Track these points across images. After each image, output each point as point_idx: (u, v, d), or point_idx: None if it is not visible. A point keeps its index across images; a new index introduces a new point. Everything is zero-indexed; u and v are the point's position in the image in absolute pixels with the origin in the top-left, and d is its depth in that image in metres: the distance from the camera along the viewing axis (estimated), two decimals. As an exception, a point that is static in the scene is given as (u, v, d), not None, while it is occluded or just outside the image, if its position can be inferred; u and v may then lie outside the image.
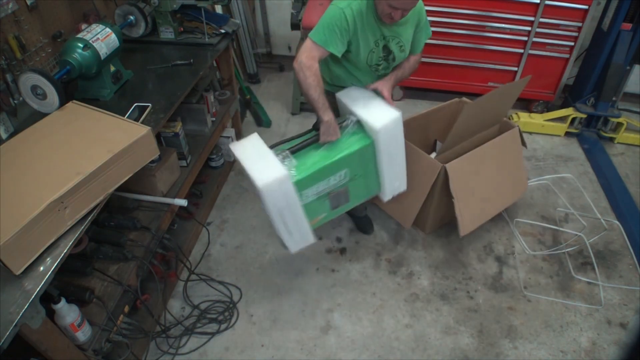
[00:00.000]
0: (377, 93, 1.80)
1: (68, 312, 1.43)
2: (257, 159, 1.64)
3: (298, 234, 1.79)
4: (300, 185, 1.64)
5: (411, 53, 1.86)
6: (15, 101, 1.82)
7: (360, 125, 1.75)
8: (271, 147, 1.69)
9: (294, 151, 1.68)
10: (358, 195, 1.89)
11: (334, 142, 1.69)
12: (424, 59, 3.21)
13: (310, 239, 1.84)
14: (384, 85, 1.79)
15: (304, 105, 3.38)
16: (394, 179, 1.91)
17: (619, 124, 3.12)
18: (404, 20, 1.67)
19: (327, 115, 1.65)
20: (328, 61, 1.87)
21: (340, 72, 1.87)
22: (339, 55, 1.68)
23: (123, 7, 2.25)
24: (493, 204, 2.36)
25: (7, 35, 1.78)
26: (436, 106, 2.52)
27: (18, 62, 1.83)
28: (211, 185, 2.62)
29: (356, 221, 2.47)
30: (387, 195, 1.96)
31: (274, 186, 1.57)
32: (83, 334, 1.49)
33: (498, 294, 2.16)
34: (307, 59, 1.62)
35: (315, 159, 1.67)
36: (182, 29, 2.39)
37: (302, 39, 3.00)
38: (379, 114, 1.70)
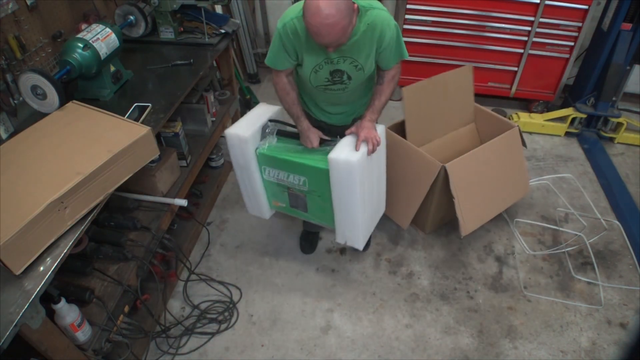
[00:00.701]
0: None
1: (68, 312, 1.43)
2: (252, 119, 1.84)
3: (254, 200, 2.00)
4: (262, 159, 1.81)
5: (382, 68, 1.69)
6: (15, 101, 1.82)
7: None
8: (272, 120, 1.83)
9: (282, 134, 1.82)
10: (315, 213, 1.90)
11: (314, 150, 1.75)
12: (424, 59, 3.25)
13: (265, 214, 2.04)
14: (358, 129, 1.68)
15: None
16: (343, 226, 1.83)
17: (619, 124, 3.12)
18: (354, 40, 1.51)
19: (301, 125, 1.75)
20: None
21: (299, 83, 1.82)
22: (288, 68, 1.68)
23: (123, 7, 2.25)
24: (494, 204, 2.36)
25: (7, 35, 1.78)
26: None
27: (18, 62, 1.83)
28: (211, 185, 2.62)
29: (302, 234, 2.40)
30: (337, 237, 1.89)
31: (235, 140, 1.78)
32: (83, 334, 1.49)
33: (498, 294, 2.16)
34: (274, 78, 1.75)
35: (288, 150, 1.77)
36: (182, 29, 2.39)
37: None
38: (342, 151, 1.64)
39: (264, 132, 1.81)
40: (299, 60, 1.64)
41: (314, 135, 1.75)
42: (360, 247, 1.89)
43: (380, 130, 1.74)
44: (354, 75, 1.63)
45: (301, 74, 1.68)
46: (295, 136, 1.80)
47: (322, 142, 1.75)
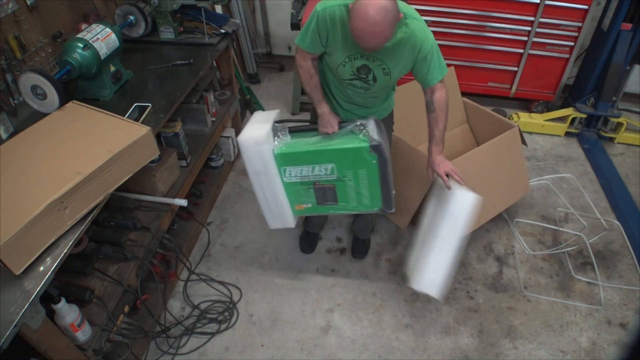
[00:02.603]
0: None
1: (68, 312, 1.43)
2: (258, 124, 1.77)
3: (276, 209, 1.86)
4: (283, 159, 1.72)
5: (424, 86, 1.68)
6: (15, 101, 1.82)
7: (365, 130, 1.70)
8: (278, 121, 1.77)
9: (293, 131, 1.76)
10: (347, 202, 1.84)
11: (332, 136, 1.71)
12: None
13: (290, 222, 1.90)
14: (433, 166, 1.70)
15: (304, 105, 3.38)
16: (430, 267, 1.74)
17: (619, 124, 3.12)
18: (390, 45, 1.51)
19: (321, 108, 1.72)
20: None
21: (322, 75, 1.81)
22: (315, 53, 1.66)
23: (123, 7, 2.25)
24: (494, 204, 2.36)
25: (7, 35, 1.78)
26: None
27: (18, 62, 1.83)
28: (211, 185, 2.62)
29: (353, 241, 2.37)
30: (413, 282, 1.79)
31: (251, 144, 1.70)
32: (83, 334, 1.49)
33: (498, 294, 2.16)
34: (299, 59, 1.69)
35: (307, 143, 1.72)
36: (182, 29, 2.39)
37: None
38: (458, 187, 1.69)
39: (274, 134, 1.74)
40: (328, 49, 1.63)
41: (334, 120, 1.72)
42: (436, 294, 1.72)
43: (470, 199, 1.67)
44: (379, 78, 1.61)
45: (329, 62, 1.67)
46: (307, 129, 1.76)
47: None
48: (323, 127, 1.71)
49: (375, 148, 1.65)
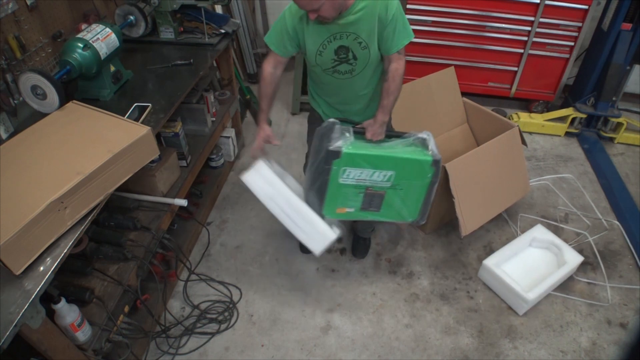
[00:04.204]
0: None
1: (68, 312, 1.43)
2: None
3: (305, 225, 1.76)
4: (348, 159, 1.66)
5: (386, 54, 1.66)
6: (15, 101, 1.82)
7: (420, 142, 1.74)
8: (340, 118, 1.73)
9: (356, 132, 1.72)
10: (389, 210, 1.83)
11: (383, 144, 1.72)
12: (424, 59, 3.25)
13: (327, 234, 1.76)
14: (368, 124, 1.70)
15: (304, 105, 3.38)
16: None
17: (619, 124, 3.12)
18: (356, 16, 1.54)
19: (259, 118, 1.80)
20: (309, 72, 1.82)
21: (311, 82, 1.85)
22: (284, 56, 1.70)
23: (123, 7, 2.25)
24: (494, 204, 2.36)
25: (7, 35, 1.78)
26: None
27: (18, 62, 1.83)
28: (211, 185, 2.62)
29: (354, 240, 2.37)
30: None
31: (251, 173, 1.75)
32: (83, 334, 1.49)
33: (498, 293, 2.16)
34: (264, 62, 1.72)
35: (368, 147, 1.70)
36: (182, 29, 2.39)
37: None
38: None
39: (341, 134, 1.67)
40: (301, 45, 1.66)
41: (264, 134, 1.78)
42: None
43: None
44: (359, 54, 1.62)
45: (309, 58, 1.68)
46: (360, 131, 1.74)
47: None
48: (373, 135, 1.70)
49: (436, 163, 1.69)
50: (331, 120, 1.69)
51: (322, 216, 1.79)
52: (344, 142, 1.65)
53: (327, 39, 1.60)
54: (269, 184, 1.74)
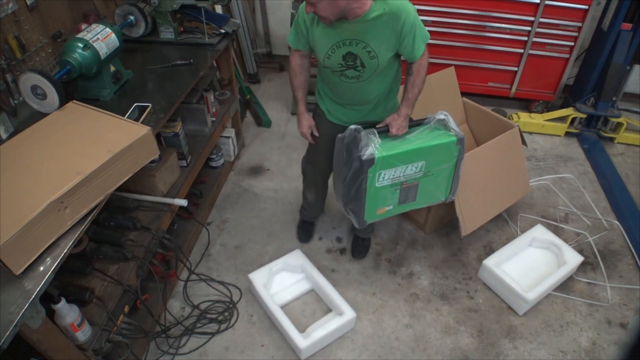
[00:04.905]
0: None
1: (68, 312, 1.42)
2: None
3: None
4: (382, 163, 1.69)
5: (410, 61, 1.68)
6: (15, 101, 1.82)
7: (441, 124, 1.77)
8: (361, 123, 1.74)
9: (379, 131, 1.73)
10: (425, 195, 1.89)
11: (408, 135, 1.74)
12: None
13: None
14: (392, 120, 1.71)
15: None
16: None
17: (619, 124, 3.12)
18: (367, 25, 1.53)
19: (299, 108, 1.88)
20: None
21: (319, 78, 1.86)
22: (305, 50, 1.74)
23: (123, 7, 2.25)
24: (494, 204, 2.36)
25: (7, 35, 1.78)
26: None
27: (18, 62, 1.83)
28: (211, 185, 2.62)
29: (354, 241, 2.38)
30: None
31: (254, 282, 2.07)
32: (83, 334, 1.49)
33: (498, 293, 2.16)
34: (290, 55, 1.79)
35: (396, 144, 1.72)
36: (182, 29, 2.39)
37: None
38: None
39: (367, 138, 1.68)
40: (311, 43, 1.68)
41: (308, 123, 1.89)
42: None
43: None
44: (367, 62, 1.61)
45: (318, 59, 1.69)
46: (382, 130, 1.74)
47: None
48: (399, 129, 1.70)
49: (461, 141, 1.74)
50: (353, 127, 1.70)
51: (365, 223, 1.87)
52: (374, 148, 1.67)
53: (336, 44, 1.60)
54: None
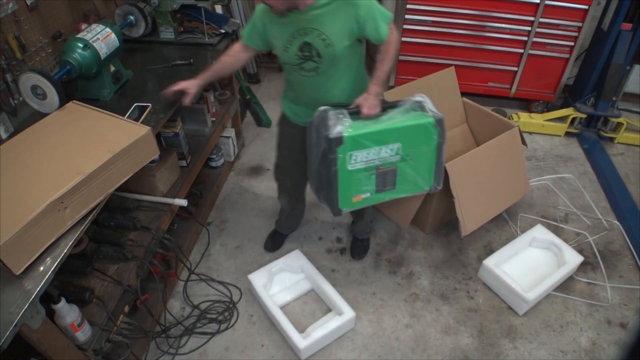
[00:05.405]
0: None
1: (68, 312, 1.43)
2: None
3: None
4: (352, 142, 1.59)
5: (379, 44, 1.63)
6: (15, 101, 1.82)
7: (417, 106, 1.69)
8: (331, 104, 1.66)
9: (351, 113, 1.64)
10: (405, 184, 1.78)
11: (380, 117, 1.66)
12: (424, 59, 3.25)
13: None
14: (363, 99, 1.63)
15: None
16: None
17: (619, 124, 3.12)
18: (319, 12, 1.52)
19: (198, 79, 1.83)
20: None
21: (285, 81, 1.83)
22: (252, 47, 1.75)
23: (123, 7, 2.25)
24: (494, 204, 2.36)
25: (7, 35, 1.78)
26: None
27: (18, 62, 1.83)
28: (211, 185, 2.62)
29: (352, 242, 2.37)
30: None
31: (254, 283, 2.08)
32: (83, 334, 1.49)
33: (498, 294, 2.16)
34: (236, 43, 1.80)
35: (368, 124, 1.63)
36: (182, 29, 2.39)
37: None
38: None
39: (336, 118, 1.60)
40: (269, 41, 1.68)
41: (187, 84, 1.83)
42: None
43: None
44: (323, 51, 1.57)
45: (277, 54, 1.68)
46: (354, 111, 1.65)
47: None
48: (370, 109, 1.62)
49: (440, 123, 1.65)
50: (322, 108, 1.63)
51: (340, 211, 1.76)
52: (343, 127, 1.58)
53: (292, 35, 1.58)
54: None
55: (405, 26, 3.12)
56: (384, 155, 1.67)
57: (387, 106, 1.68)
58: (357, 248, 2.34)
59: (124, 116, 1.72)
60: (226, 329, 2.02)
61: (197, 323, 2.01)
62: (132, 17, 2.25)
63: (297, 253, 2.22)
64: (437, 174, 1.80)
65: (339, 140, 1.57)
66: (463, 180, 2.15)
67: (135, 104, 1.86)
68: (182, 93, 1.81)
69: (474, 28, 3.09)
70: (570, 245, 2.27)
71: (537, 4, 2.93)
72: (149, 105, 1.85)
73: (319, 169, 1.67)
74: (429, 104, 1.69)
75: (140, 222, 1.85)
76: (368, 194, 1.76)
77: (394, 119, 1.65)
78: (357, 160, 1.64)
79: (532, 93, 3.34)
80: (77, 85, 1.92)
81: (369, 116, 1.63)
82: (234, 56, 1.81)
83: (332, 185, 1.68)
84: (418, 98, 1.69)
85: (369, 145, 1.62)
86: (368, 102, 1.62)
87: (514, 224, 2.51)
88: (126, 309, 1.73)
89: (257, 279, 2.08)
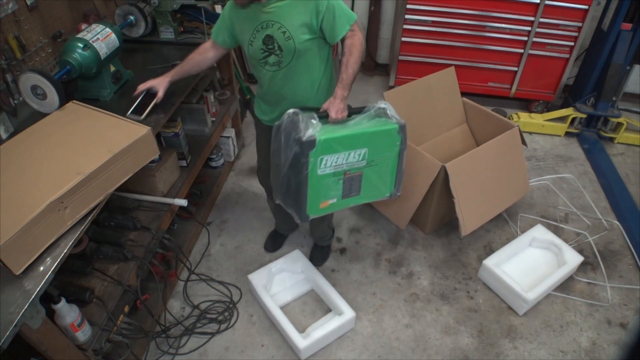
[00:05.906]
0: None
1: (68, 312, 1.43)
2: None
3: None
4: (324, 146, 1.57)
5: (331, 42, 1.62)
6: (15, 101, 1.82)
7: (381, 112, 1.69)
8: (300, 107, 1.63)
9: (320, 117, 1.62)
10: (369, 190, 1.78)
11: (347, 122, 1.65)
12: (424, 59, 3.25)
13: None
14: (329, 104, 1.61)
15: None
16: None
17: (619, 124, 3.12)
18: (279, 5, 1.52)
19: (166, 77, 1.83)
20: None
21: (257, 88, 1.83)
22: (219, 43, 1.77)
23: (123, 7, 2.25)
24: (494, 204, 2.36)
25: (7, 35, 1.78)
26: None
27: (18, 62, 1.83)
28: (211, 185, 2.62)
29: (313, 248, 2.34)
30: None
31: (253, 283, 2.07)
32: (83, 334, 1.49)
33: (498, 294, 2.16)
34: (206, 41, 1.83)
35: (338, 128, 1.62)
36: (182, 29, 2.39)
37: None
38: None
39: (306, 122, 1.57)
40: (237, 36, 1.69)
41: (156, 82, 1.82)
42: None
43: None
44: (283, 45, 1.57)
45: (243, 48, 1.69)
46: (323, 115, 1.63)
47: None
48: (337, 112, 1.60)
49: (402, 129, 1.66)
50: (291, 110, 1.60)
51: (307, 217, 1.72)
52: (314, 130, 1.55)
53: (256, 28, 1.59)
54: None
55: (405, 26, 3.12)
56: (352, 160, 1.66)
57: (352, 112, 1.68)
58: (317, 255, 2.30)
59: (124, 116, 1.71)
60: (226, 329, 2.02)
61: (197, 323, 2.01)
62: (132, 17, 2.25)
63: (297, 253, 2.21)
64: (398, 180, 1.80)
65: (312, 143, 1.54)
66: (463, 180, 2.15)
67: (146, 89, 1.79)
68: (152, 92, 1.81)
69: (474, 28, 3.09)
70: (570, 245, 2.27)
71: (537, 4, 2.93)
72: (156, 94, 1.78)
73: (288, 174, 1.64)
74: (391, 111, 1.69)
75: (140, 222, 1.85)
76: (335, 200, 1.73)
77: (361, 124, 1.65)
78: (328, 164, 1.62)
79: (532, 93, 3.34)
80: (77, 85, 1.92)
81: (336, 120, 1.61)
82: (202, 54, 1.83)
83: (302, 191, 1.64)
84: (382, 105, 1.69)
85: (339, 149, 1.61)
86: (335, 106, 1.60)
87: (514, 224, 2.51)
88: (126, 309, 1.73)
89: (257, 279, 2.08)
